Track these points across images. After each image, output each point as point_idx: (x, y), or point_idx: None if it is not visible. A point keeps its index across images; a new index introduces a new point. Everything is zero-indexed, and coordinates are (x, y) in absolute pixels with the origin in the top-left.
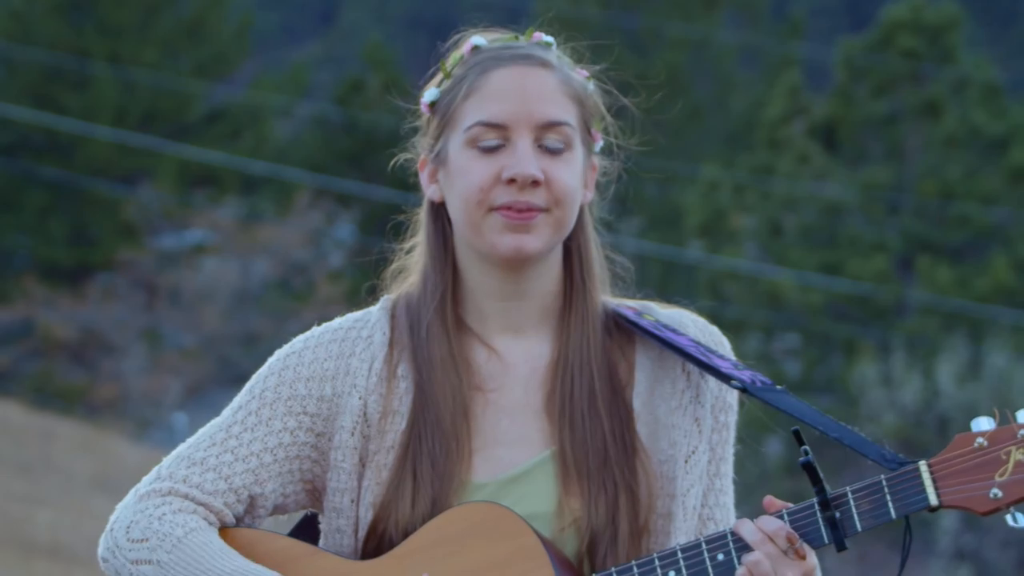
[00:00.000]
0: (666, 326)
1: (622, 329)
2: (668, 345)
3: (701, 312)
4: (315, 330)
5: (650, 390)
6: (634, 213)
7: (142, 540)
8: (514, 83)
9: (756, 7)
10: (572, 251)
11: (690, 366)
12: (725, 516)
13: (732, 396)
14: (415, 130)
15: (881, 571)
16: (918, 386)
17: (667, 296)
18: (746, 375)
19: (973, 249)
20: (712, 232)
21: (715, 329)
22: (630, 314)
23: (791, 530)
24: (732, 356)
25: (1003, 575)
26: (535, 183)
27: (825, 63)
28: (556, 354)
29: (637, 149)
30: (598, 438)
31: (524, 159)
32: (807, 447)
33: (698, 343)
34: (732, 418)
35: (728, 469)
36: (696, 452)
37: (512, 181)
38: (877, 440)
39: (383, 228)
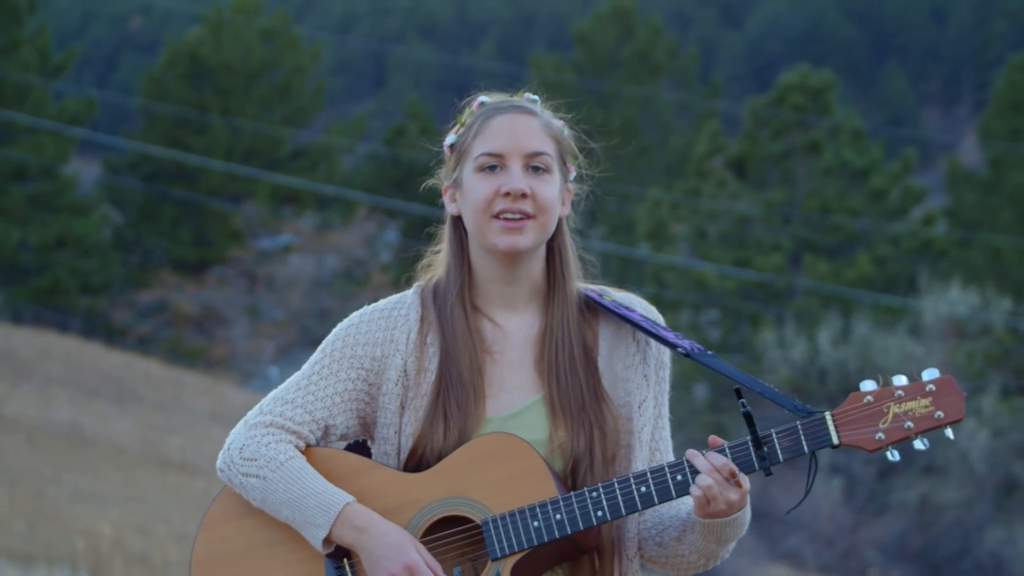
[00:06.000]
0: (621, 304)
1: (590, 307)
2: (626, 320)
3: (647, 295)
4: (366, 308)
5: (610, 353)
6: (599, 223)
7: (252, 459)
8: (509, 125)
9: (688, 75)
10: (554, 250)
11: (640, 334)
12: (666, 447)
13: (667, 357)
14: (440, 165)
15: (780, 481)
16: (804, 348)
17: (624, 284)
18: (686, 343)
19: (844, 249)
20: (656, 237)
21: (654, 308)
22: (594, 295)
23: (733, 466)
24: (669, 329)
25: (865, 484)
26: (524, 195)
27: (737, 115)
28: (543, 326)
29: (602, 176)
30: (576, 390)
31: (516, 178)
32: (744, 400)
33: (645, 318)
34: (667, 374)
35: (666, 411)
36: (645, 401)
37: (507, 194)
38: (788, 395)
39: (419, 234)
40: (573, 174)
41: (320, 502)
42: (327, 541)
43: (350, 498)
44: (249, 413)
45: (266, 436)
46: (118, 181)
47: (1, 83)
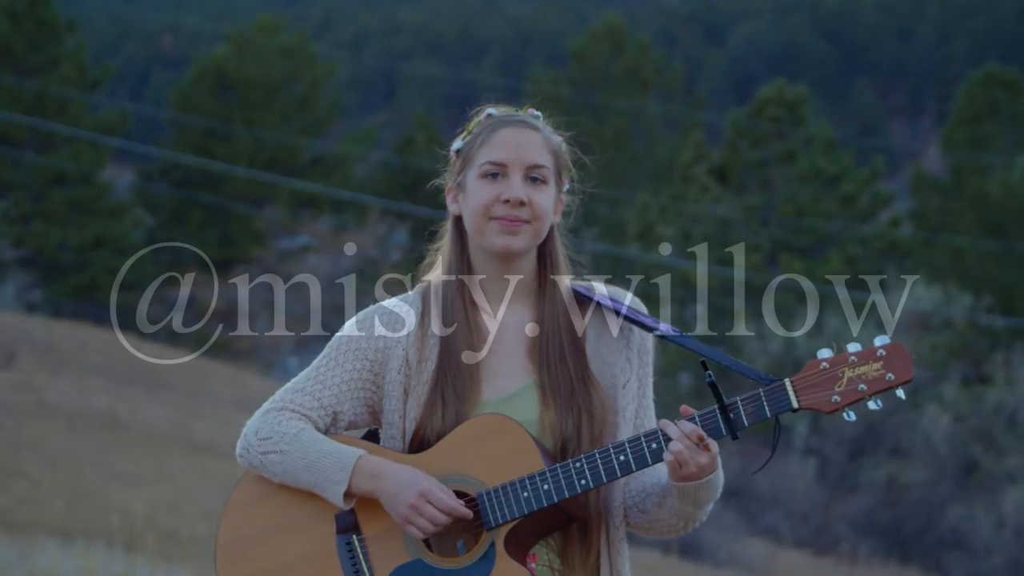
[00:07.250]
0: (607, 296)
1: (579, 299)
2: (610, 310)
3: (637, 291)
4: (372, 307)
5: (597, 340)
6: (593, 225)
7: (268, 438)
8: (512, 137)
9: (673, 89)
10: (545, 254)
11: (623, 322)
12: (650, 423)
13: (650, 343)
14: (447, 167)
15: (756, 460)
16: (781, 340)
17: (614, 281)
18: (662, 326)
19: (818, 249)
20: (645, 238)
21: (638, 300)
22: (583, 289)
23: (701, 431)
24: (650, 316)
25: (837, 465)
26: (521, 203)
27: (719, 126)
28: (535, 318)
29: (593, 189)
30: (566, 376)
31: (515, 187)
32: (710, 371)
33: (629, 308)
34: (650, 358)
35: (650, 392)
36: (629, 382)
37: (507, 201)
38: (753, 366)
39: (426, 235)
40: (567, 187)
41: (336, 460)
42: (348, 495)
43: (362, 451)
44: (263, 405)
45: (278, 417)
46: (150, 187)
47: (43, 96)
